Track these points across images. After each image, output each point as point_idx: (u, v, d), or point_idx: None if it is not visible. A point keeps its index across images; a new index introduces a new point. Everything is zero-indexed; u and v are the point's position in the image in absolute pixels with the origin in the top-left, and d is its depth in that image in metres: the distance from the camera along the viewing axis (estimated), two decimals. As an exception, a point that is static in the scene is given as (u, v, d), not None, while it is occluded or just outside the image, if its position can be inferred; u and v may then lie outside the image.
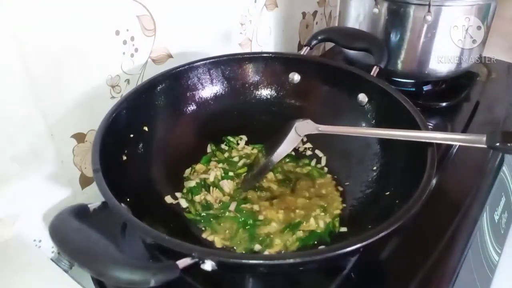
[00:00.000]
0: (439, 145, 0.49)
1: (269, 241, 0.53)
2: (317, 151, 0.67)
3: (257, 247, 0.52)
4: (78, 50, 0.54)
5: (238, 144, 0.69)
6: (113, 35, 0.58)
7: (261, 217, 0.56)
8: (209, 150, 0.67)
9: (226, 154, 0.67)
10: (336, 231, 0.54)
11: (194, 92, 0.67)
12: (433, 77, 0.82)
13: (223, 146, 0.68)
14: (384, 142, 0.59)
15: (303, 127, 0.60)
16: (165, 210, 0.56)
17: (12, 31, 0.46)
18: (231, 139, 0.69)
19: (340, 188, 0.60)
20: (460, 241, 0.57)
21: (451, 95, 0.85)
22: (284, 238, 0.53)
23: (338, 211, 0.57)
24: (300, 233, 0.54)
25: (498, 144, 0.44)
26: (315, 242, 0.53)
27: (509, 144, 0.44)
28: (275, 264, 0.39)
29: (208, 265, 0.37)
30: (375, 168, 0.59)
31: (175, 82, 0.64)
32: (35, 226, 0.56)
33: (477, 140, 0.46)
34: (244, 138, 0.70)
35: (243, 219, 0.55)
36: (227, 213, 0.56)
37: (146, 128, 0.60)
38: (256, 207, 0.57)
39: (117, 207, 0.42)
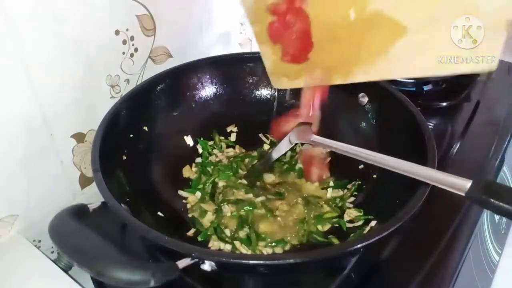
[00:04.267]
0: (439, 145, 0.49)
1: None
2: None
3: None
4: (78, 49, 0.54)
5: (227, 139, 0.69)
6: (112, 35, 0.58)
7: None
8: (200, 150, 0.67)
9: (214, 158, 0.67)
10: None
11: (194, 92, 0.67)
12: (434, 76, 0.82)
13: (213, 150, 0.68)
14: (385, 147, 0.59)
15: (297, 135, 0.62)
16: (165, 210, 0.56)
17: (11, 32, 0.46)
18: (221, 138, 0.69)
19: (340, 192, 0.60)
20: (461, 241, 0.57)
21: (451, 95, 0.85)
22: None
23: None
24: None
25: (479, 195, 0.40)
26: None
27: (491, 200, 0.39)
28: (275, 265, 0.39)
29: (207, 266, 0.37)
30: (375, 176, 0.59)
31: (175, 82, 0.64)
32: (35, 226, 0.56)
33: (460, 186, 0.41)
34: (235, 130, 0.70)
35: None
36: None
37: (146, 128, 0.60)
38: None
39: (117, 208, 0.42)
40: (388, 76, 0.48)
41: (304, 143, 0.66)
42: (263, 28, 0.55)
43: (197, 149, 0.67)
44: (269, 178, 0.64)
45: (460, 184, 0.41)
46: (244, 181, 0.62)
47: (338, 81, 0.51)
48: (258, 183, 0.62)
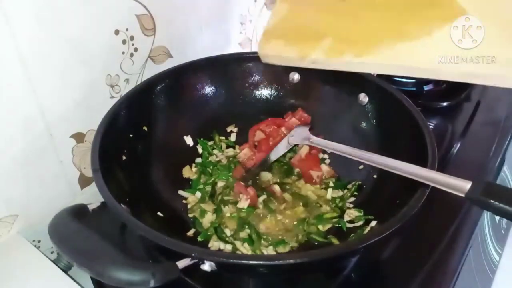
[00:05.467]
0: (439, 145, 0.48)
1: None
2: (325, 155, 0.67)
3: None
4: (77, 49, 0.54)
5: (227, 139, 0.69)
6: (112, 35, 0.58)
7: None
8: (200, 150, 0.66)
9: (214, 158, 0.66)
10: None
11: (194, 92, 0.67)
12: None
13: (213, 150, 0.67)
14: (385, 147, 0.59)
15: (297, 136, 0.63)
16: (165, 210, 0.56)
17: (11, 31, 0.46)
18: (221, 138, 0.69)
19: (340, 193, 0.60)
20: (461, 241, 0.57)
21: (452, 95, 0.85)
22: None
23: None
24: None
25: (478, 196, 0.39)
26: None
27: (491, 201, 0.39)
28: (274, 265, 0.39)
29: (207, 266, 0.37)
30: (375, 176, 0.59)
31: (174, 81, 0.64)
32: (34, 226, 0.56)
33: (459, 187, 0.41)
34: (235, 130, 0.70)
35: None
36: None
37: (145, 128, 0.60)
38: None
39: (117, 208, 0.42)
40: (393, 71, 0.45)
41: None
42: None
43: (197, 149, 0.66)
44: (266, 176, 0.63)
45: (459, 186, 0.41)
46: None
47: (347, 58, 0.47)
48: (257, 182, 0.62)
